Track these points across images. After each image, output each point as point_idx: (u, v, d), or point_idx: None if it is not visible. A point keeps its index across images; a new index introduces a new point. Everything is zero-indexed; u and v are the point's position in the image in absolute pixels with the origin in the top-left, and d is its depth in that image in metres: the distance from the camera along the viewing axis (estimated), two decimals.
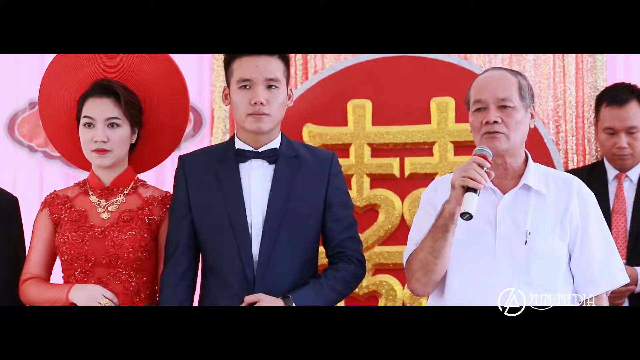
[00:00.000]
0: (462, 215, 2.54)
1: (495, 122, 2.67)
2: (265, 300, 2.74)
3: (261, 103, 2.80)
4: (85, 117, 2.94)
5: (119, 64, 3.06)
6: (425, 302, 3.62)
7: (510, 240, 2.66)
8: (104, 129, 2.93)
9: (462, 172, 2.58)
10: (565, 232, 2.69)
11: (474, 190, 2.56)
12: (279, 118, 2.88)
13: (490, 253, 2.66)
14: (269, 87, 2.83)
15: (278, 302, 2.75)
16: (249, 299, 2.76)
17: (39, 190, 4.09)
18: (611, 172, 3.68)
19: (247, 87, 2.82)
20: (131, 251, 2.89)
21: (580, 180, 2.79)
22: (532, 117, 2.76)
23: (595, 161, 3.89)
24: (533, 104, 2.77)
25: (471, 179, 2.56)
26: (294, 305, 2.74)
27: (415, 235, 2.75)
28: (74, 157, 3.13)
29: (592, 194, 2.78)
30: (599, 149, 3.92)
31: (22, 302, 2.96)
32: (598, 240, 2.71)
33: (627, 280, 2.79)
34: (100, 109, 2.94)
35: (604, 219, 2.77)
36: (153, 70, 3.08)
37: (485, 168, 2.59)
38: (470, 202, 2.54)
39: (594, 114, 3.80)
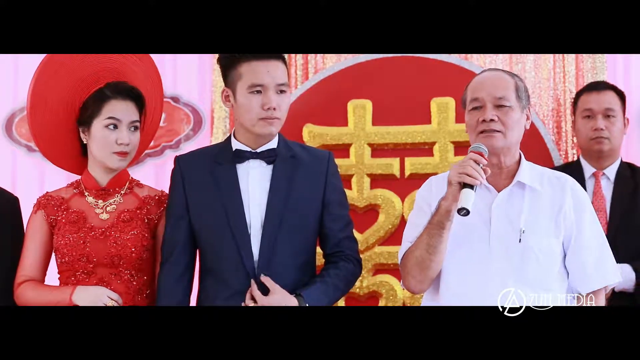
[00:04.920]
0: (459, 210, 2.55)
1: (492, 120, 2.68)
2: (279, 293, 2.74)
3: (274, 108, 2.81)
4: (110, 117, 2.93)
5: (115, 65, 3.05)
6: None
7: (504, 238, 2.67)
8: (128, 132, 2.94)
9: (459, 169, 2.59)
10: (560, 230, 2.70)
11: (471, 187, 2.57)
12: (284, 120, 2.89)
13: (485, 251, 2.67)
14: (279, 92, 2.83)
15: (292, 299, 2.75)
16: (265, 279, 2.75)
17: (39, 190, 4.06)
18: (588, 170, 3.68)
19: (259, 91, 2.82)
20: (134, 251, 2.89)
21: (574, 179, 2.80)
22: (528, 118, 2.78)
23: (570, 161, 3.91)
24: (529, 106, 2.78)
25: (468, 175, 2.57)
26: (307, 305, 2.74)
27: (410, 234, 2.76)
28: (58, 158, 3.11)
29: (586, 192, 2.80)
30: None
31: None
32: (592, 238, 2.73)
33: (620, 279, 2.80)
34: (125, 111, 2.94)
35: (597, 218, 2.78)
36: (141, 70, 3.09)
37: (481, 165, 2.60)
38: (467, 197, 2.55)
39: (572, 117, 3.82)
